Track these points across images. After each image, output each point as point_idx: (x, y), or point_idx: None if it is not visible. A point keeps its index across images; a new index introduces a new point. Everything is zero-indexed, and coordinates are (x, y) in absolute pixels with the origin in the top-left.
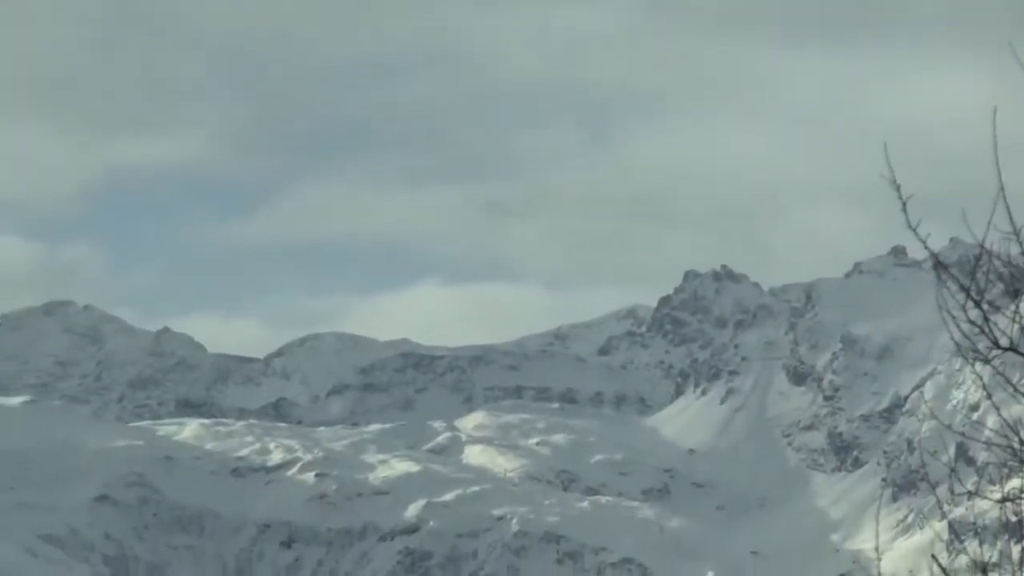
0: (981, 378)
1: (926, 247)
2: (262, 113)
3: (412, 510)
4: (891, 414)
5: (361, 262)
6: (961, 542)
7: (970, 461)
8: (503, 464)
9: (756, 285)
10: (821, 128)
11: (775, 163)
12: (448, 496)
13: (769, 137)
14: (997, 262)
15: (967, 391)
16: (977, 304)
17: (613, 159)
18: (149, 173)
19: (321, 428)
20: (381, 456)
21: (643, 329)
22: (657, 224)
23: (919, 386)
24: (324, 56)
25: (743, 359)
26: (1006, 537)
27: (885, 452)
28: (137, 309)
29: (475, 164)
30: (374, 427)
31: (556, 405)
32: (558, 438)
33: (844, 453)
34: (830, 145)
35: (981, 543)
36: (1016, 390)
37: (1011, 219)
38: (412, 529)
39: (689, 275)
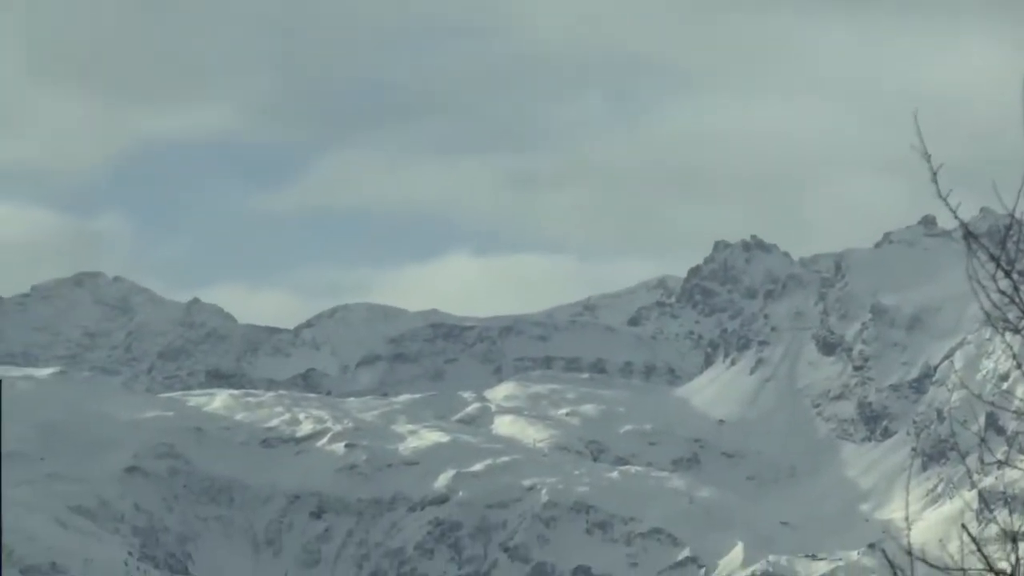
0: (1011, 348)
1: (956, 217)
2: (292, 83)
3: (442, 480)
4: (921, 384)
5: (391, 232)
6: (991, 511)
7: (1000, 430)
8: (533, 434)
9: (786, 255)
10: (851, 98)
11: (805, 133)
12: (478, 466)
13: (799, 107)
14: None
15: (997, 361)
16: (1007, 274)
17: (643, 130)
18: (179, 144)
19: (351, 399)
20: (411, 426)
21: (673, 299)
22: (687, 194)
23: (949, 356)
24: (354, 27)
25: (773, 329)
26: None
27: (915, 422)
28: (166, 280)
29: (505, 135)
30: (404, 397)
31: (586, 375)
32: (588, 408)
33: (874, 423)
34: (861, 115)
35: (1011, 512)
36: None
37: None
38: (442, 499)
39: (719, 245)
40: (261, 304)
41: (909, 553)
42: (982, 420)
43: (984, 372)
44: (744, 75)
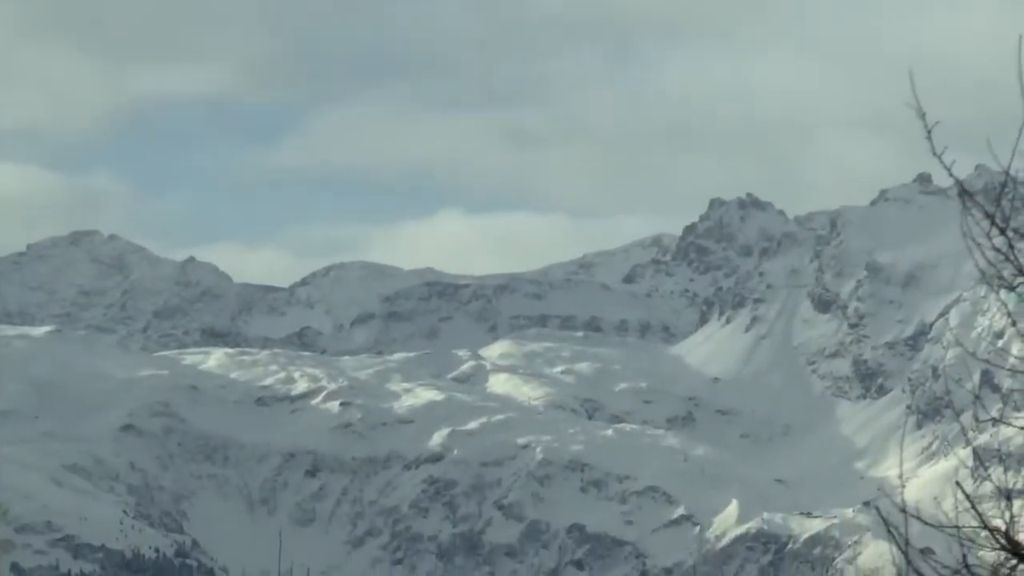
0: (1006, 305)
1: (951, 174)
2: (289, 42)
3: (436, 439)
4: (916, 341)
5: (386, 190)
6: (986, 469)
7: (995, 388)
8: (527, 392)
9: (781, 213)
10: (846, 56)
11: (801, 91)
12: (472, 425)
13: (794, 65)
14: (1022, 189)
15: (992, 318)
16: (1002, 231)
17: (638, 87)
18: (176, 101)
19: (345, 357)
20: (405, 385)
21: (668, 257)
22: (682, 152)
23: (944, 313)
24: None
25: (768, 287)
26: None
27: (910, 379)
28: (162, 238)
29: (500, 92)
30: (398, 356)
31: (581, 333)
32: (582, 366)
33: (869, 380)
34: (856, 73)
35: (1006, 470)
36: None
37: None
38: (436, 458)
39: (714, 203)
40: (256, 263)
41: (903, 511)
42: (977, 377)
43: (979, 329)
44: (741, 33)
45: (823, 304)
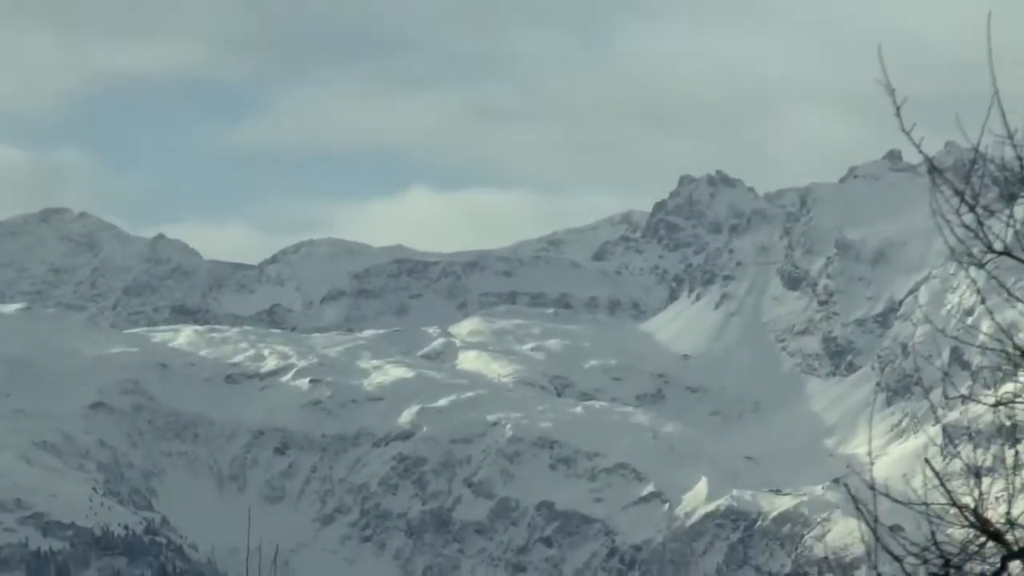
0: (975, 282)
1: (920, 151)
2: (255, 18)
3: (406, 416)
4: (886, 319)
5: (352, 167)
6: (955, 446)
7: (964, 365)
8: (497, 370)
9: (751, 190)
10: (816, 33)
11: (770, 68)
12: (442, 402)
13: (764, 42)
14: (992, 166)
15: (962, 296)
16: (971, 208)
17: (606, 63)
18: (143, 78)
19: (315, 334)
20: (375, 362)
21: (638, 234)
22: (652, 129)
23: (914, 291)
24: None
25: (738, 264)
26: (1000, 441)
27: (879, 357)
28: (131, 216)
29: (467, 68)
30: (368, 333)
31: (550, 310)
32: (552, 343)
33: (838, 358)
34: (826, 50)
35: (975, 447)
36: (1010, 294)
37: (1005, 123)
38: (406, 435)
39: (684, 180)
40: (226, 240)
41: (872, 488)
42: (946, 355)
43: (949, 307)
44: (710, 10)
45: (793, 281)
